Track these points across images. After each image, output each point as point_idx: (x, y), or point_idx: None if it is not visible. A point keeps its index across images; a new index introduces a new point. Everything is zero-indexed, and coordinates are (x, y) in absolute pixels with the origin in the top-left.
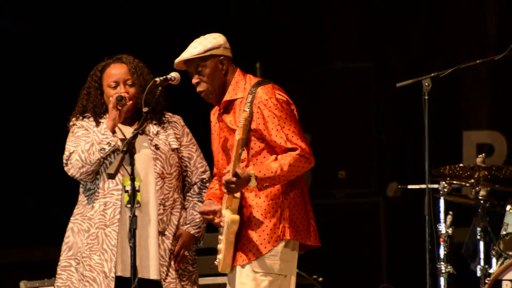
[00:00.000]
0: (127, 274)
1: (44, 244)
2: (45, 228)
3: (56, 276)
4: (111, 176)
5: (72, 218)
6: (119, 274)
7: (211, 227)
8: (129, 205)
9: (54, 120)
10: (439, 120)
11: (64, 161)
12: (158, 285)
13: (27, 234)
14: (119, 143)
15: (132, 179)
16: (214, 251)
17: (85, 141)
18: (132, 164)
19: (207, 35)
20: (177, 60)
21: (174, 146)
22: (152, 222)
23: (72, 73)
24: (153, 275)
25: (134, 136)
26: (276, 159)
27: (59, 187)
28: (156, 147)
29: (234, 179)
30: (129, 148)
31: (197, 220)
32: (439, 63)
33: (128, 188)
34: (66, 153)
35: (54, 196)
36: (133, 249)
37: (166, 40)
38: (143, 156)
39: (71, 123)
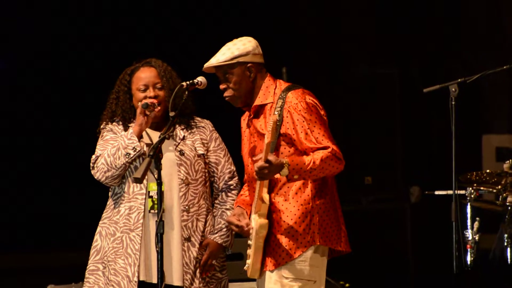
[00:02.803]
0: (150, 279)
1: (71, 249)
2: (73, 233)
3: (84, 280)
4: (138, 181)
5: (100, 222)
6: (142, 278)
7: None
8: (152, 211)
9: (78, 124)
10: (458, 124)
11: (91, 164)
12: None
13: (54, 238)
14: (145, 148)
15: (159, 184)
16: (244, 257)
17: (112, 145)
18: (159, 168)
19: (237, 40)
20: (205, 66)
21: (200, 152)
22: (176, 228)
23: (96, 76)
24: (176, 281)
25: (161, 141)
26: (308, 155)
27: (86, 191)
28: (181, 152)
29: (266, 164)
30: (156, 153)
31: (225, 229)
32: (457, 68)
33: (152, 193)
34: (94, 156)
35: (82, 201)
36: (160, 253)
37: (194, 42)
38: (168, 161)
39: (101, 127)
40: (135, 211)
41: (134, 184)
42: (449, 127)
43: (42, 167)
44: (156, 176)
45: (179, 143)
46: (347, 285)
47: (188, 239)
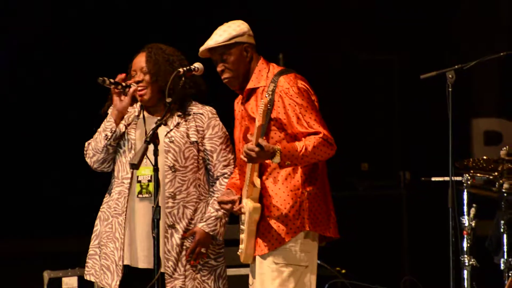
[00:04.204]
0: (135, 263)
1: (68, 235)
2: (71, 219)
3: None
4: (135, 167)
5: (101, 207)
6: (126, 263)
7: (235, 218)
8: (140, 195)
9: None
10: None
11: (84, 152)
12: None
13: (50, 224)
14: (123, 129)
15: (155, 170)
16: (236, 242)
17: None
18: (156, 154)
19: (231, 23)
20: (202, 48)
21: (193, 139)
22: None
23: (95, 64)
24: (148, 265)
25: (157, 127)
26: (300, 140)
27: (84, 177)
28: (170, 139)
29: (256, 148)
30: (153, 139)
31: (213, 217)
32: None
33: (141, 178)
34: (86, 144)
35: (80, 187)
36: (157, 239)
37: (187, 28)
38: (159, 147)
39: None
40: (122, 195)
41: (121, 168)
42: (443, 112)
43: (41, 153)
44: (153, 162)
45: (171, 130)
46: (343, 271)
47: (172, 226)
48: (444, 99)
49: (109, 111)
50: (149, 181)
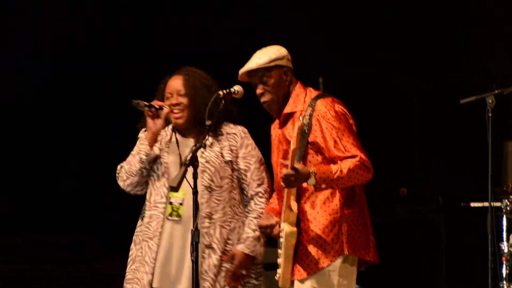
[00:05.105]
0: (165, 287)
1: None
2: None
3: None
4: (174, 189)
5: (135, 231)
6: (155, 286)
7: (274, 241)
8: (170, 217)
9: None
10: (481, 130)
11: (116, 175)
12: None
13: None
14: (157, 152)
15: (195, 193)
16: (276, 266)
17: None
18: (195, 177)
19: (269, 47)
20: (242, 71)
21: (228, 158)
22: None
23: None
24: (184, 286)
25: (197, 149)
26: (336, 163)
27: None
28: (206, 159)
29: (292, 172)
30: (192, 162)
31: (251, 238)
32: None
33: (173, 200)
34: (118, 167)
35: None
36: (195, 262)
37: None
38: (192, 168)
39: (139, 135)
40: (154, 219)
41: (154, 193)
42: (482, 137)
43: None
44: (192, 185)
45: (205, 151)
46: None
47: (209, 246)
48: (480, 123)
49: (141, 134)
50: (181, 204)
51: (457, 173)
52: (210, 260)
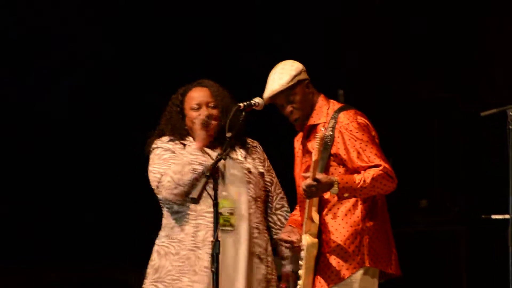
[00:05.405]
0: None
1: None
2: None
3: None
4: (195, 201)
5: (157, 241)
6: None
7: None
8: (223, 228)
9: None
10: (499, 143)
11: (155, 183)
12: None
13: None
14: (210, 162)
15: (215, 204)
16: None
17: (175, 163)
18: (215, 189)
19: (282, 64)
20: (266, 95)
21: (261, 170)
22: (244, 246)
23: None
24: None
25: (218, 161)
26: (359, 173)
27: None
28: (249, 170)
29: (314, 183)
30: (213, 173)
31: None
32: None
33: (222, 210)
34: (157, 175)
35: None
36: (216, 274)
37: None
38: (236, 179)
39: (154, 146)
40: (203, 229)
41: (201, 201)
42: (502, 149)
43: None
44: (212, 197)
45: (243, 162)
46: None
47: (258, 257)
48: (501, 136)
49: (161, 144)
50: (231, 214)
51: (478, 185)
52: (261, 270)
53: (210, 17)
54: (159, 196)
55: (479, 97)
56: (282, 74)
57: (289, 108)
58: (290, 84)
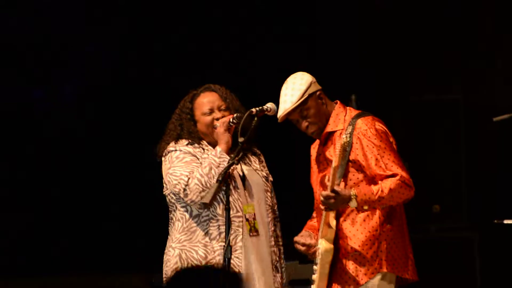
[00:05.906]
0: None
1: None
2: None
3: None
4: (206, 206)
5: (177, 245)
6: None
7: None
8: (251, 233)
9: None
10: None
11: (182, 187)
12: None
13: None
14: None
15: (227, 209)
16: (309, 282)
17: (200, 166)
18: (227, 194)
19: (291, 79)
20: (281, 115)
21: (271, 179)
22: (266, 254)
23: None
24: None
25: (230, 166)
26: (377, 183)
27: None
28: (266, 178)
29: (332, 194)
30: (225, 178)
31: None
32: None
33: (247, 216)
34: (184, 178)
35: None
36: (226, 277)
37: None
38: (256, 185)
39: (171, 148)
40: (232, 234)
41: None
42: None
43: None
44: (247, 200)
45: (257, 169)
46: None
47: (274, 265)
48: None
49: (183, 147)
50: (254, 219)
51: (490, 190)
52: (277, 278)
53: (211, 17)
54: (185, 199)
55: (490, 101)
56: (294, 90)
57: (304, 124)
58: (301, 100)
